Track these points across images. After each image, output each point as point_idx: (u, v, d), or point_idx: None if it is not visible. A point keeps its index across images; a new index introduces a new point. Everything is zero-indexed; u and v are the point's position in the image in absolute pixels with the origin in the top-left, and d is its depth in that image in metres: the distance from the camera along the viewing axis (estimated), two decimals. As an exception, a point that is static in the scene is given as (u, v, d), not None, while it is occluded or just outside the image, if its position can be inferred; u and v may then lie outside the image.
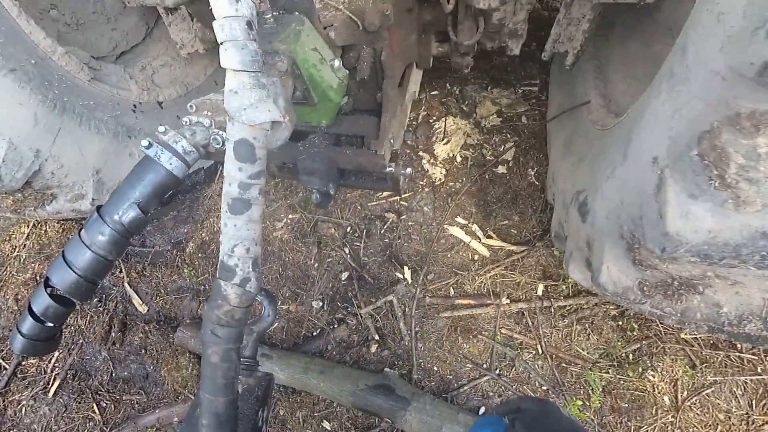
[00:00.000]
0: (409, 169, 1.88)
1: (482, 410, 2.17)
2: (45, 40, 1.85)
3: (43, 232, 2.97)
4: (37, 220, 3.01)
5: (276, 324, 2.49)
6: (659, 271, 1.16)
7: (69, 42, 2.25)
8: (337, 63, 1.51)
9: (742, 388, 2.13)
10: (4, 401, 2.55)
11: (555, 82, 2.61)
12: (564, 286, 2.34)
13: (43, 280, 1.12)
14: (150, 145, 1.11)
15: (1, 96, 1.66)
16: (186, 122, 1.19)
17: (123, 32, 2.56)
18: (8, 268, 2.96)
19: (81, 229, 1.13)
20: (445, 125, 2.77)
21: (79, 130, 2.02)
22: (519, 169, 2.62)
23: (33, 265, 2.92)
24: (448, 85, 2.93)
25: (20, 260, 2.95)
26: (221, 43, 0.99)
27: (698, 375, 2.14)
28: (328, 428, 2.26)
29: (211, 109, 1.19)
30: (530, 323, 2.30)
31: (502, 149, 2.67)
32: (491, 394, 2.21)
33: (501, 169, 2.63)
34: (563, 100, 2.43)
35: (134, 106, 2.35)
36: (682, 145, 0.89)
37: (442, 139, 2.75)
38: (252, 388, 1.58)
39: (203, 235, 2.81)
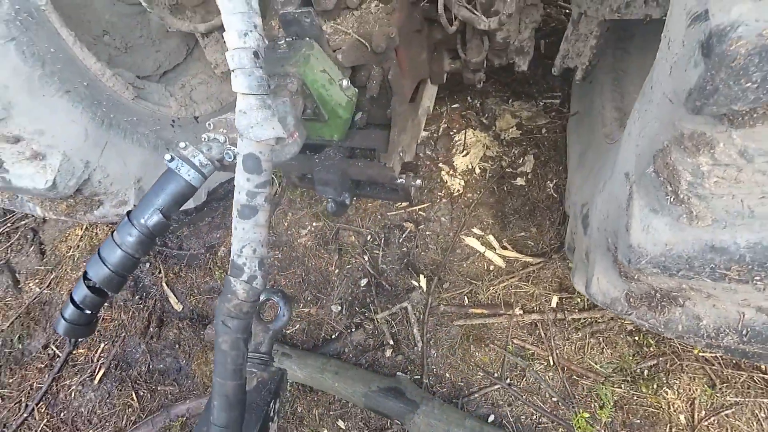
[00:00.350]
0: (419, 181, 1.97)
1: (491, 418, 2.20)
2: (95, 64, 2.08)
3: (94, 234, 3.26)
4: (88, 224, 3.30)
5: (297, 326, 2.63)
6: (643, 283, 1.19)
7: (118, 64, 2.49)
8: (345, 82, 1.63)
9: (766, 410, 2.07)
10: (57, 386, 2.81)
11: (575, 95, 2.63)
12: (579, 299, 2.35)
13: (82, 273, 1.30)
14: (172, 159, 1.27)
15: (57, 114, 1.89)
16: (204, 138, 1.34)
17: (166, 53, 2.80)
18: (63, 266, 3.26)
19: (113, 231, 1.30)
20: (464, 138, 2.84)
21: (123, 143, 2.24)
22: (538, 181, 2.65)
23: (84, 263, 3.20)
24: (469, 98, 3.00)
25: (74, 259, 3.25)
26: (232, 71, 1.13)
27: (717, 395, 2.09)
28: (343, 427, 2.36)
29: (226, 127, 1.34)
30: (543, 334, 2.32)
31: (521, 161, 2.71)
32: (501, 402, 2.24)
33: (519, 181, 2.67)
34: (581, 112, 2.45)
35: (173, 121, 2.57)
36: (644, 163, 0.94)
37: (462, 151, 2.82)
38: (266, 381, 1.71)
39: (235, 240, 2.99)
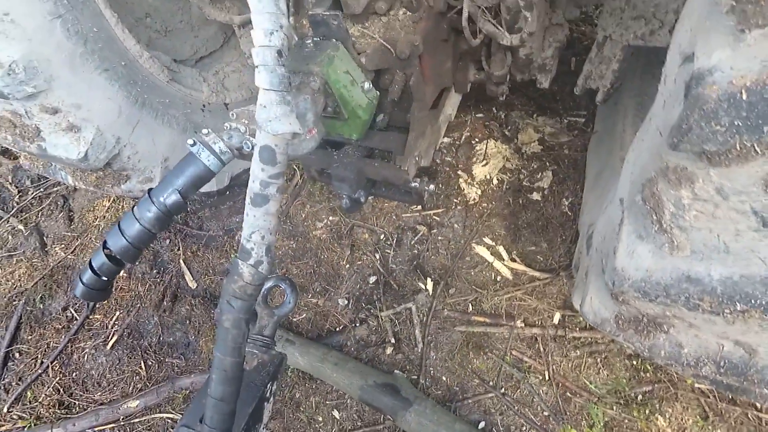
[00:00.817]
0: (432, 185, 2.02)
1: (482, 425, 2.24)
2: (135, 46, 2.18)
3: (120, 206, 3.40)
4: (115, 196, 3.44)
5: (303, 315, 2.71)
6: (632, 307, 1.22)
7: (157, 47, 2.60)
8: (367, 85, 1.69)
9: (758, 449, 2.05)
10: (72, 347, 2.95)
11: (599, 115, 2.63)
12: (581, 318, 2.36)
13: (102, 242, 1.39)
14: (194, 144, 1.35)
15: (95, 90, 2.00)
16: (227, 127, 1.41)
17: (204, 40, 2.90)
18: (89, 234, 3.41)
19: (134, 206, 1.38)
20: (486, 147, 2.87)
21: (154, 123, 2.34)
22: (554, 197, 2.66)
23: (109, 234, 3.35)
24: (494, 109, 3.02)
25: (99, 229, 3.40)
26: (256, 66, 1.20)
27: (709, 427, 2.08)
28: (337, 417, 2.42)
29: (248, 118, 1.41)
30: (542, 349, 2.34)
31: (539, 176, 2.73)
32: (493, 411, 2.27)
33: (536, 196, 2.68)
34: (603, 132, 2.45)
35: (203, 105, 2.67)
36: (635, 190, 0.96)
37: (482, 161, 2.85)
38: (266, 363, 1.78)
39: (252, 225, 3.09)
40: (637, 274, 0.97)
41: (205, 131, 1.35)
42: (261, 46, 1.18)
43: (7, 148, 2.17)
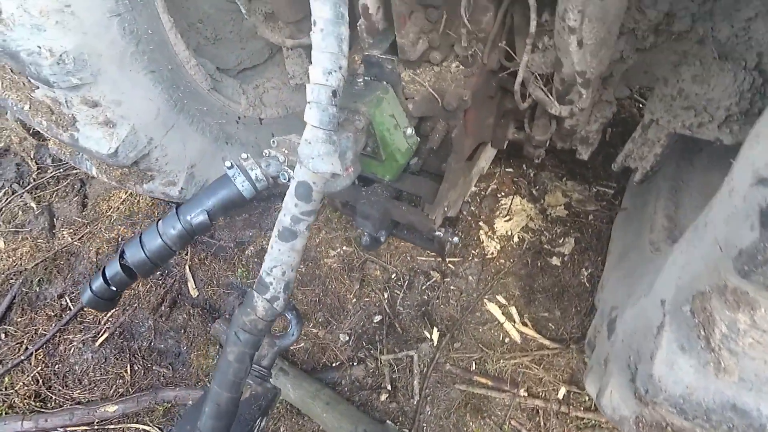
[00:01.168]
0: (456, 238, 1.97)
1: (468, 494, 2.13)
2: (184, 51, 2.20)
3: (135, 201, 3.37)
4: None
5: (301, 344, 2.63)
6: (656, 413, 1.14)
7: (204, 53, 2.62)
8: (409, 131, 1.67)
9: None
10: (60, 337, 2.88)
11: (630, 190, 2.59)
12: (587, 398, 2.26)
13: (119, 251, 1.35)
14: (231, 166, 1.32)
15: (137, 90, 2.00)
16: (266, 153, 1.39)
17: (249, 52, 2.92)
18: (99, 224, 3.38)
19: (159, 220, 1.35)
20: (511, 203, 2.83)
21: (189, 129, 2.34)
22: (573, 265, 2.60)
23: (119, 227, 3.32)
24: (524, 165, 3.00)
25: (110, 220, 3.37)
26: (308, 102, 1.18)
27: None
28: (319, 459, 2.32)
29: (288, 149, 1.38)
30: (543, 423, 2.24)
31: (561, 241, 2.67)
32: (482, 481, 2.16)
33: (555, 261, 2.62)
34: (632, 210, 2.41)
35: (239, 118, 2.67)
36: (682, 298, 0.91)
37: (505, 216, 2.81)
38: (258, 395, 1.71)
39: (264, 242, 3.04)
40: (676, 388, 0.91)
41: (244, 155, 1.33)
42: (317, 84, 1.16)
43: (39, 132, 2.17)
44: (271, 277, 1.25)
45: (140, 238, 1.30)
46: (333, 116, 1.19)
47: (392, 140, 1.62)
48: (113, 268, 1.31)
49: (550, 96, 1.59)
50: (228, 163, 1.31)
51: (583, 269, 2.56)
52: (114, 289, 1.33)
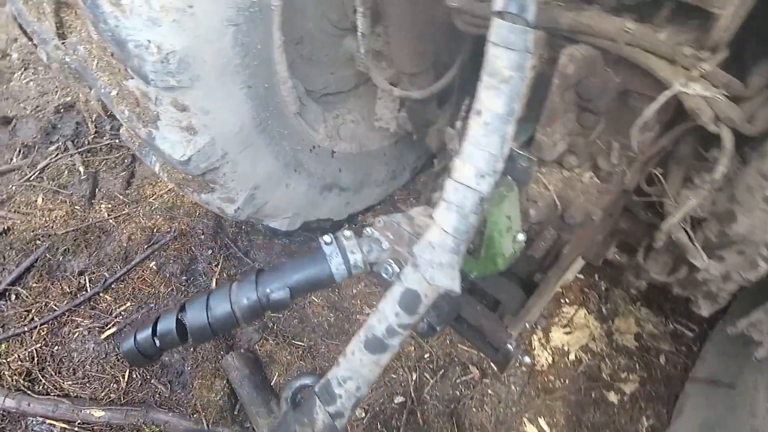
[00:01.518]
0: (527, 358, 1.73)
1: None
2: (284, 72, 2.05)
3: (180, 195, 3.22)
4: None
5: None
6: None
7: (296, 73, 2.47)
8: (520, 236, 1.45)
9: None
10: (68, 317, 2.70)
11: (717, 343, 2.30)
12: None
13: (179, 305, 1.15)
14: (330, 243, 1.12)
15: (228, 103, 1.85)
16: (368, 233, 1.19)
17: (338, 79, 2.77)
18: (139, 207, 3.24)
19: (234, 282, 1.15)
20: (574, 314, 2.56)
21: (264, 150, 2.17)
22: (633, 410, 2.29)
23: (158, 217, 3.16)
24: (596, 276, 2.73)
25: (151, 207, 3.23)
26: (446, 201, 0.98)
27: None
28: None
29: (394, 235, 1.18)
30: None
31: (623, 376, 2.38)
32: None
33: (612, 397, 2.33)
34: (717, 370, 2.12)
35: (313, 146, 2.50)
36: None
37: (564, 326, 2.54)
38: None
39: (300, 278, 2.83)
40: None
41: (347, 233, 1.13)
42: (464, 186, 0.96)
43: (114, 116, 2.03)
44: (342, 389, 1.03)
45: (208, 299, 1.10)
46: (471, 227, 0.98)
47: (500, 243, 1.41)
48: (167, 325, 1.10)
49: (695, 243, 1.35)
50: (327, 238, 1.11)
51: (644, 417, 2.26)
52: (158, 346, 1.12)
